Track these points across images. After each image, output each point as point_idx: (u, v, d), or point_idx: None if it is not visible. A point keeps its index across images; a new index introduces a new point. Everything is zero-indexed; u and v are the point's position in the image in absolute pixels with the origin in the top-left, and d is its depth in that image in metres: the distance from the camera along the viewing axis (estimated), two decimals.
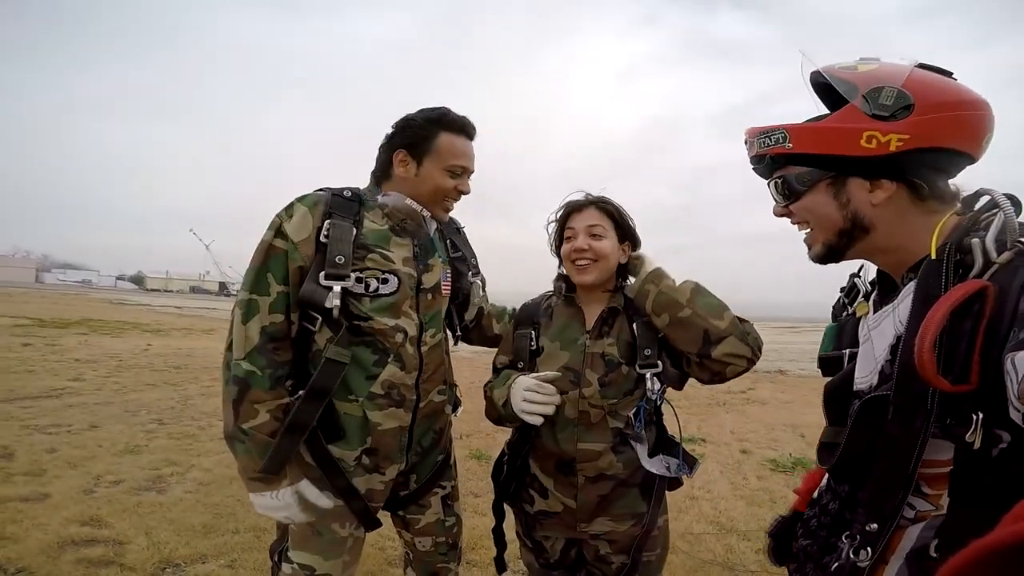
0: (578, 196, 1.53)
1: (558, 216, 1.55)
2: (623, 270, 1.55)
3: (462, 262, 1.63)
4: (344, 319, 1.37)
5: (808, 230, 0.89)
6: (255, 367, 1.29)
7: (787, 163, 0.84)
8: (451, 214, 1.67)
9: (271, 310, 1.32)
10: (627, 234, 1.52)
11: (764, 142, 0.84)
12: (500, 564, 1.72)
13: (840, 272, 1.05)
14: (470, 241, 1.74)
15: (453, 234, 1.66)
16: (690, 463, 1.51)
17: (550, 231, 1.58)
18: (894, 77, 0.76)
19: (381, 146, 1.51)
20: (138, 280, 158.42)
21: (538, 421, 1.40)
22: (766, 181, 0.91)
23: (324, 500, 1.37)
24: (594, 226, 1.47)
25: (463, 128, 1.47)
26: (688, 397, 7.93)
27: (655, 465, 1.43)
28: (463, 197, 1.53)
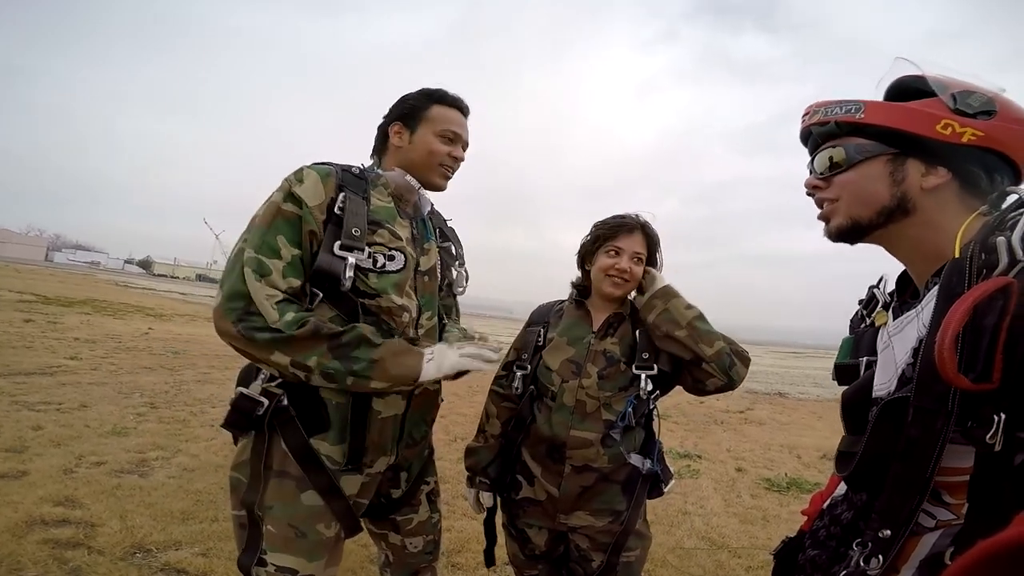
0: (631, 218, 1.62)
1: (607, 230, 1.62)
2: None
3: (448, 253, 1.61)
4: (353, 296, 1.31)
5: (831, 205, 0.90)
6: (296, 317, 1.20)
7: (850, 133, 0.87)
8: (440, 210, 1.66)
9: (286, 274, 1.24)
10: (652, 259, 1.65)
11: (833, 110, 0.88)
12: (489, 557, 1.75)
13: (848, 298, 1.09)
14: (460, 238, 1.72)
15: (442, 224, 1.65)
16: (666, 474, 1.60)
17: (586, 237, 1.67)
18: (986, 90, 0.81)
19: (379, 126, 1.54)
20: (145, 264, 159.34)
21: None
22: (814, 152, 0.92)
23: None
24: (638, 253, 1.59)
25: (456, 103, 1.51)
26: (685, 414, 7.85)
27: (635, 458, 1.54)
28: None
